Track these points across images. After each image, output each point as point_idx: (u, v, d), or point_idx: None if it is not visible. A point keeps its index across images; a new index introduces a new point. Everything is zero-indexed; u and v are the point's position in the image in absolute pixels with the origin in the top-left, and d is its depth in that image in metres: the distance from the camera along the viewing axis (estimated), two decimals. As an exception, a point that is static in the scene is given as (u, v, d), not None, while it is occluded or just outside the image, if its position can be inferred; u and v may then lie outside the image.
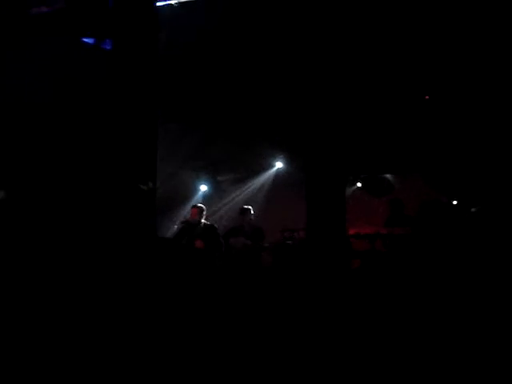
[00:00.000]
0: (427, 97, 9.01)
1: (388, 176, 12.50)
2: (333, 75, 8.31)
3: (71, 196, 5.91)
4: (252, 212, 9.47)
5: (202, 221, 8.99)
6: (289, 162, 12.35)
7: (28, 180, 6.03)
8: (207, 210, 9.39)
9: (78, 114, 6.03)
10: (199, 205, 9.59)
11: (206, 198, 12.79)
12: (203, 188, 13.31)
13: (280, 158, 12.45)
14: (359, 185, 12.81)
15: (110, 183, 5.98)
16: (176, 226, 10.61)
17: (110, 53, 5.97)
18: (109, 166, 5.97)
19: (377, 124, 9.61)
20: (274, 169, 12.76)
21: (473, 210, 12.08)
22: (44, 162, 5.97)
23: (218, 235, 8.98)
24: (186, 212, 11.37)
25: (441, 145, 10.23)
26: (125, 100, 5.80)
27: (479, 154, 10.35)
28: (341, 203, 9.04)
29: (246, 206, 9.70)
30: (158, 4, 6.29)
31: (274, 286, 7.95)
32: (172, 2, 6.92)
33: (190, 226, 8.96)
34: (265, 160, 12.41)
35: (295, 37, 7.44)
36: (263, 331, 5.44)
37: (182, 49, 7.55)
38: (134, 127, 5.99)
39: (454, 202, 12.69)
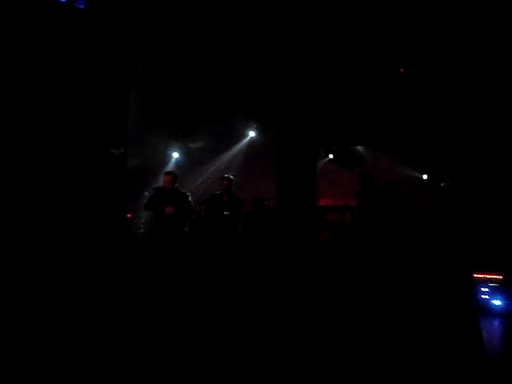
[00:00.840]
0: (402, 69, 9.04)
1: (360, 148, 12.57)
2: (306, 46, 8.28)
3: (43, 158, 5.84)
4: (232, 181, 9.46)
5: (175, 187, 8.95)
6: (262, 131, 12.34)
7: None
8: (180, 177, 9.35)
9: (49, 74, 5.91)
10: (172, 171, 9.53)
11: (179, 165, 12.75)
12: (175, 155, 13.25)
13: (253, 128, 12.44)
14: (331, 156, 12.88)
15: (81, 147, 5.92)
16: (146, 193, 10.58)
17: (83, 12, 5.85)
18: (79, 130, 5.90)
19: (349, 96, 9.63)
20: (247, 138, 12.76)
21: (442, 184, 12.26)
22: (15, 126, 5.87)
23: (190, 202, 8.96)
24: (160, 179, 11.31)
25: (413, 118, 10.30)
26: (97, 62, 5.71)
27: (450, 128, 10.45)
28: (311, 174, 9.09)
29: (226, 175, 9.67)
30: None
31: (243, 253, 8.00)
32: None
33: (162, 192, 8.91)
34: (238, 129, 12.38)
35: (267, 8, 7.38)
36: (229, 297, 5.48)
37: (161, 15, 7.45)
38: (105, 91, 5.91)
39: (425, 177, 12.87)
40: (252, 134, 12.61)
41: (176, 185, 9.00)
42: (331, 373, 4.04)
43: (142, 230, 11.22)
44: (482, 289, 7.39)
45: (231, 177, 9.51)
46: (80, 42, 5.76)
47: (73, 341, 4.33)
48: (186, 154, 13.23)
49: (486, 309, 7.21)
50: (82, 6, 5.84)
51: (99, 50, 5.86)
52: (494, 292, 7.38)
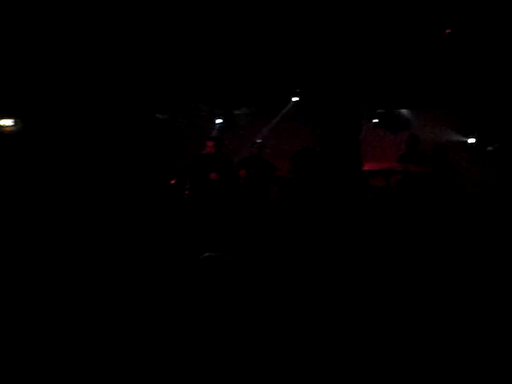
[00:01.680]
0: (448, 31, 8.78)
1: (404, 112, 12.35)
2: (348, 7, 8.10)
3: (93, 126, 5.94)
4: (263, 146, 9.48)
5: (218, 153, 8.99)
6: (305, 96, 12.19)
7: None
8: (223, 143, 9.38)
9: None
10: (215, 137, 9.58)
11: (223, 131, 12.76)
12: (218, 121, 13.25)
13: (296, 92, 12.30)
14: (375, 120, 12.67)
15: (129, 113, 6.00)
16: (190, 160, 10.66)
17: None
18: (128, 98, 5.97)
19: (395, 57, 9.42)
20: (291, 103, 12.63)
21: (490, 148, 12.00)
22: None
23: (233, 167, 9.03)
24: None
25: (459, 80, 10.06)
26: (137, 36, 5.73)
27: (498, 90, 10.18)
28: (355, 138, 8.98)
29: (258, 141, 9.72)
30: None
31: (280, 217, 7.96)
32: None
33: (206, 158, 8.98)
34: (281, 94, 12.25)
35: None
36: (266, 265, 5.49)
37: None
38: (151, 61, 5.93)
39: (472, 140, 12.59)
40: (295, 98, 12.47)
41: (219, 150, 9.04)
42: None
43: (186, 196, 11.33)
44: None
45: (262, 142, 9.57)
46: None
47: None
48: (229, 120, 13.20)
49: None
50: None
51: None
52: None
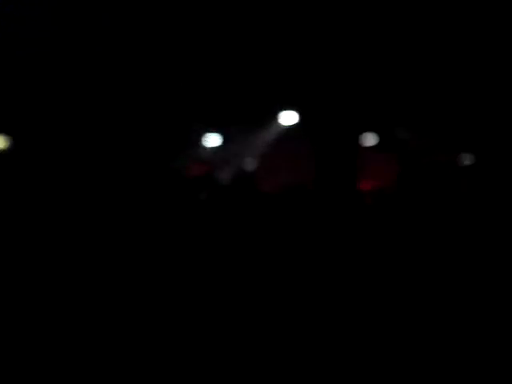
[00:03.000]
0: None
1: (402, 130, 12.13)
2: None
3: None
4: None
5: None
6: (296, 113, 11.87)
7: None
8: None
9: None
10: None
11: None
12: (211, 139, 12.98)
13: (286, 109, 11.99)
14: (371, 138, 12.43)
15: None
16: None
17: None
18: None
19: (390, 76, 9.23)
20: (279, 121, 12.28)
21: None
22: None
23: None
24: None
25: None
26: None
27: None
28: (352, 157, 8.84)
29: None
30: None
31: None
32: None
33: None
34: (268, 111, 11.94)
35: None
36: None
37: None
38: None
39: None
40: (284, 115, 12.10)
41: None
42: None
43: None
44: None
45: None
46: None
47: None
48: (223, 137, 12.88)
49: None
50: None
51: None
52: None
